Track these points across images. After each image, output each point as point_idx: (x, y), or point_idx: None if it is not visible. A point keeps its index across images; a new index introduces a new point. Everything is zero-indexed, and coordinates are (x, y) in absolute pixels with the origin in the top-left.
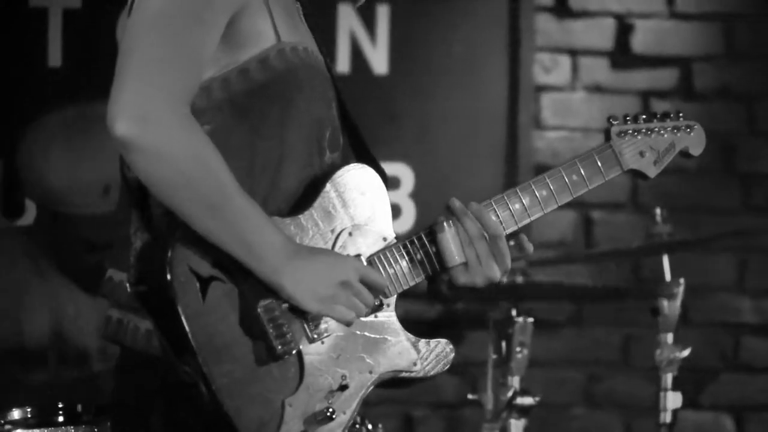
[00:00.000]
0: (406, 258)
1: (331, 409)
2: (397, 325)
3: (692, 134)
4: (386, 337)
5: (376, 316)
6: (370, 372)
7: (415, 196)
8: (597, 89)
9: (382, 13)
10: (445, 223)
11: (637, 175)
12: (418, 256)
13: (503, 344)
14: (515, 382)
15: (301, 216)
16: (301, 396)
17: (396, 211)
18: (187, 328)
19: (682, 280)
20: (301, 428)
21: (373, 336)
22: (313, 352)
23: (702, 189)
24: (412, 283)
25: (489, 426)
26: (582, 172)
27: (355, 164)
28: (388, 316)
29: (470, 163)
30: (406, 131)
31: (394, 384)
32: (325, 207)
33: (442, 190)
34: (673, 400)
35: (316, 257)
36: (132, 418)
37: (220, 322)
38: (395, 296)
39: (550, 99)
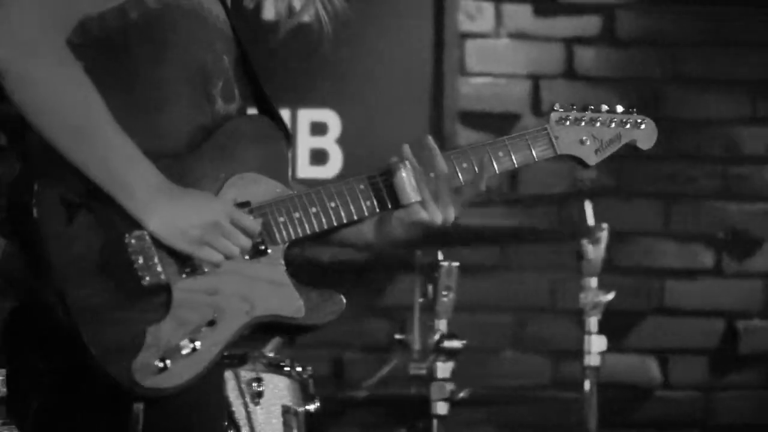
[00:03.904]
0: (320, 205)
1: (197, 342)
2: (283, 272)
3: (642, 128)
4: (269, 282)
5: (259, 261)
6: (246, 313)
7: (342, 141)
8: (521, 36)
9: None
10: (399, 163)
11: (575, 160)
12: (364, 197)
13: (429, 288)
14: (442, 325)
15: (189, 156)
16: (165, 326)
17: (323, 156)
18: (48, 248)
19: (605, 225)
20: (160, 356)
21: (254, 279)
22: (183, 286)
23: None
24: (311, 231)
25: (416, 366)
26: (510, 150)
27: (253, 114)
28: (273, 262)
29: (396, 109)
30: (333, 78)
31: (282, 330)
32: (216, 151)
33: (368, 135)
34: (598, 343)
35: (186, 196)
36: None
37: (86, 248)
38: (283, 245)
39: (474, 46)
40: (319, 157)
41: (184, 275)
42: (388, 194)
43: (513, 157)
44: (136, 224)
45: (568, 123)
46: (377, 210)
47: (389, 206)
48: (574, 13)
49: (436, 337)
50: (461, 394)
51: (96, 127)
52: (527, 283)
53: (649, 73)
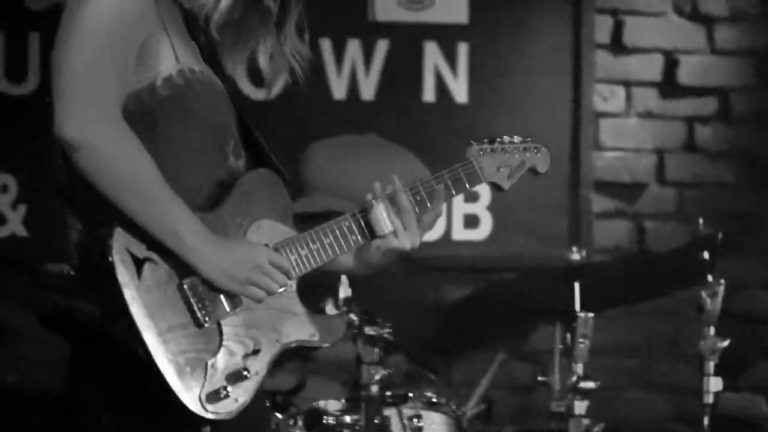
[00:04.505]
0: (319, 242)
1: (247, 369)
2: (298, 303)
3: (539, 155)
4: (289, 313)
5: (280, 295)
6: (277, 341)
7: (491, 208)
8: (648, 116)
9: (462, 49)
10: (374, 201)
11: (494, 186)
12: (350, 232)
13: (568, 336)
14: (579, 368)
15: (217, 209)
16: (221, 357)
17: (475, 221)
18: (126, 298)
19: (722, 281)
20: (223, 383)
21: (278, 311)
22: (230, 322)
23: (739, 201)
24: (316, 264)
25: (557, 404)
26: (449, 183)
27: (260, 169)
28: (291, 296)
29: (539, 180)
30: None
31: (296, 353)
32: (235, 204)
33: (514, 202)
34: (715, 384)
35: (232, 244)
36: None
37: (153, 295)
38: (296, 279)
39: (608, 124)
40: (471, 221)
41: (229, 312)
42: (366, 227)
43: (452, 187)
44: (191, 271)
45: (482, 153)
46: (361, 242)
47: (368, 237)
48: (694, 96)
49: (574, 378)
50: (595, 429)
51: (154, 191)
52: (653, 331)
53: (759, 147)
